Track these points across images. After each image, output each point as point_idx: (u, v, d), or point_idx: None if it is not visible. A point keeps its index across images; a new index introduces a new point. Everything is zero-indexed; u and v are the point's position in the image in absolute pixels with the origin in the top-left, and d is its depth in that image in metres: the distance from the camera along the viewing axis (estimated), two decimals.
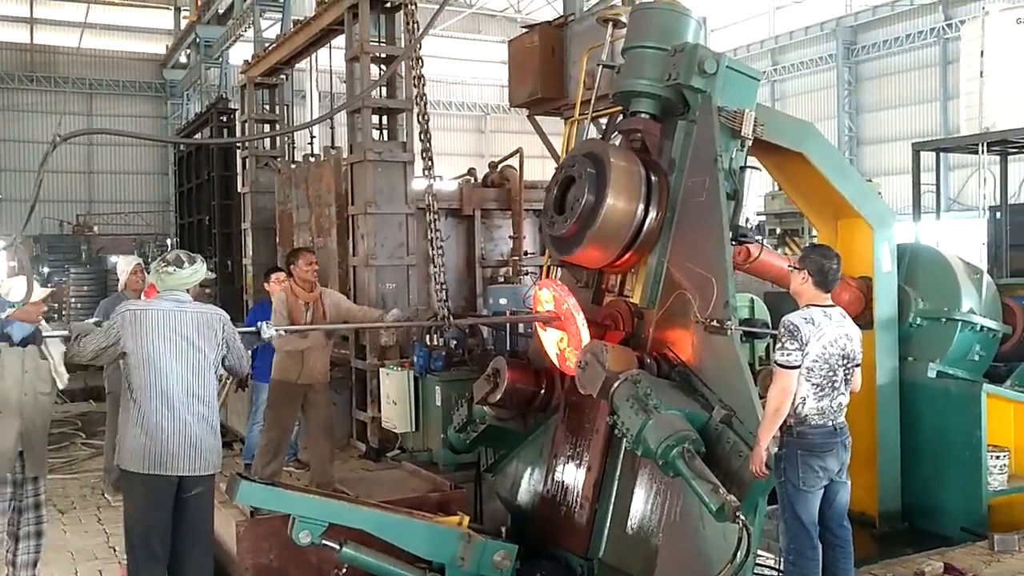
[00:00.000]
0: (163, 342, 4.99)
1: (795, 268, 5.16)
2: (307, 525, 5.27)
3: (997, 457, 6.76)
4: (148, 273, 8.50)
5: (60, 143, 5.09)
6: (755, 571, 5.48)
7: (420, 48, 6.85)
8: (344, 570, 5.54)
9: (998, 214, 15.71)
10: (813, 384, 4.84)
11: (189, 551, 5.17)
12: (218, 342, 5.14)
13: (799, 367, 4.80)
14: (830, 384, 4.87)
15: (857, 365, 5.08)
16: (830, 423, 4.90)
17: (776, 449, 4.83)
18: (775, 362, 4.91)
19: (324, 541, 5.34)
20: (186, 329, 5.04)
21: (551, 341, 6.37)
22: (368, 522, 5.46)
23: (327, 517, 5.33)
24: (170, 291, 5.18)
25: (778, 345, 4.88)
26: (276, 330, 6.07)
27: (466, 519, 5.88)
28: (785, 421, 4.86)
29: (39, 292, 5.64)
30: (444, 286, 7.38)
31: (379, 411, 9.64)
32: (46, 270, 29.90)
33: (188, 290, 5.22)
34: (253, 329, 5.97)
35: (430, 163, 7.84)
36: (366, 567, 5.48)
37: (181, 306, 5.11)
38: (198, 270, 5.27)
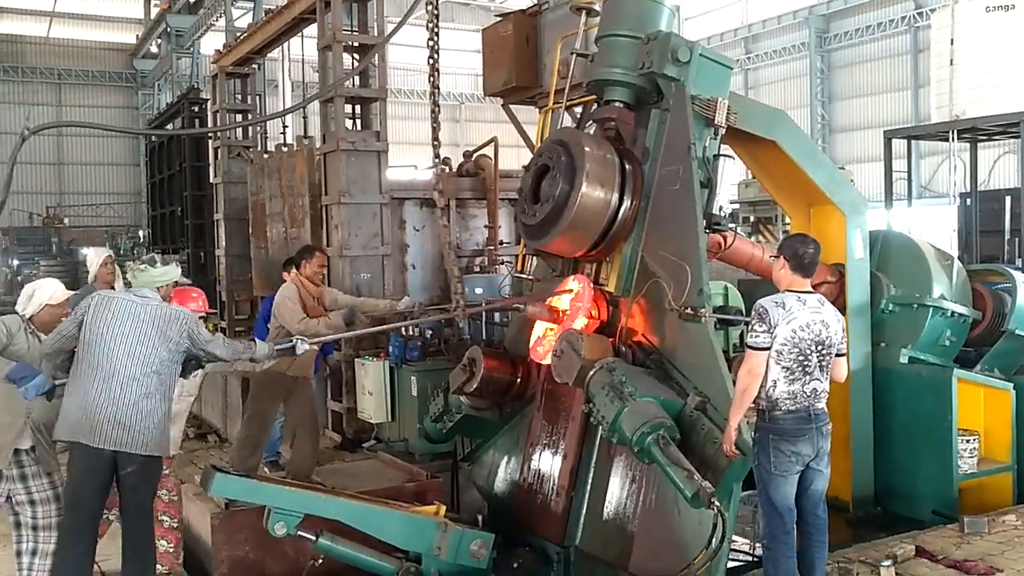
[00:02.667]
0: (119, 326, 5.22)
1: (774, 256, 5.19)
2: (283, 516, 5.26)
3: (967, 441, 6.85)
4: (119, 266, 8.45)
5: (29, 136, 5.07)
6: (729, 556, 5.52)
7: (439, 37, 6.95)
8: (320, 561, 5.54)
9: (968, 201, 15.89)
10: (783, 367, 4.83)
11: (128, 529, 5.34)
12: (174, 339, 5.30)
13: (767, 349, 4.81)
14: (801, 368, 4.86)
15: (840, 354, 5.03)
16: (804, 409, 4.88)
17: (751, 433, 4.87)
18: (745, 344, 4.93)
19: (300, 532, 5.33)
20: (143, 320, 5.26)
21: (541, 327, 6.33)
22: (344, 513, 5.46)
23: (302, 508, 5.33)
24: (140, 287, 5.45)
25: (749, 328, 4.91)
26: (308, 343, 6.30)
27: (443, 508, 5.89)
28: (759, 405, 4.89)
29: (61, 294, 5.79)
30: (459, 279, 7.38)
31: (355, 402, 9.62)
32: (16, 263, 29.56)
33: (159, 289, 5.49)
34: (289, 345, 6.15)
35: (438, 155, 7.75)
36: (342, 558, 5.47)
37: (144, 300, 5.36)
38: (168, 272, 5.58)
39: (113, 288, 8.12)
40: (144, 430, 5.16)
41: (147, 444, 5.19)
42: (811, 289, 5.07)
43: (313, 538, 5.37)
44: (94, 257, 8.30)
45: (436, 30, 6.81)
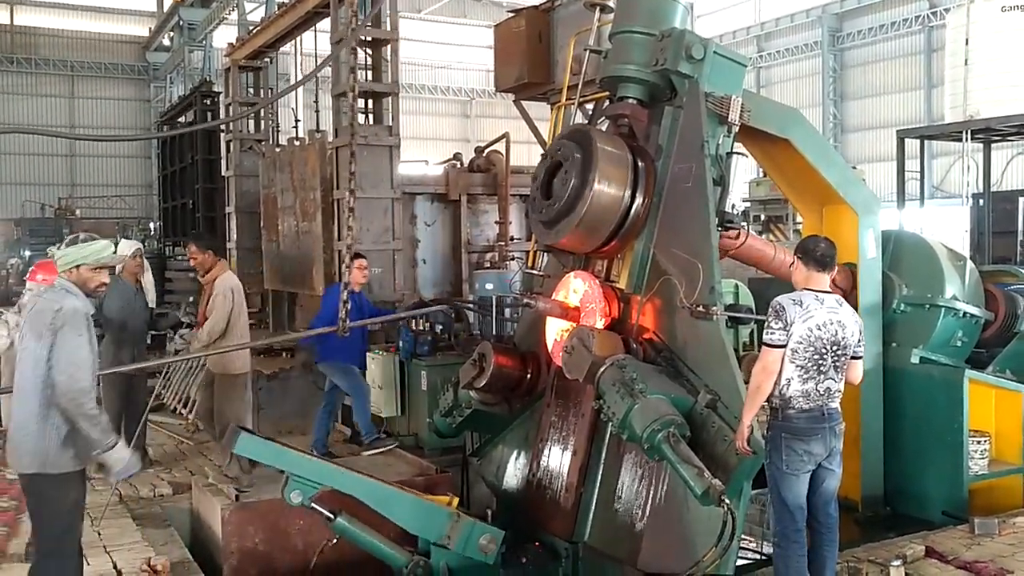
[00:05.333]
0: (23, 338, 4.73)
1: (792, 263, 5.18)
2: (300, 485, 5.26)
3: (978, 442, 6.82)
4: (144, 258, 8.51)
5: None
6: (739, 554, 5.52)
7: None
8: (335, 541, 5.56)
9: (981, 201, 15.83)
10: (797, 366, 4.82)
11: (33, 567, 4.82)
12: (43, 335, 4.54)
13: (783, 347, 4.81)
14: (816, 368, 4.85)
15: (855, 357, 5.02)
16: (817, 408, 4.88)
17: (764, 431, 4.87)
18: (761, 341, 4.92)
19: (319, 508, 5.33)
20: (30, 324, 4.68)
21: (555, 328, 6.33)
22: (361, 489, 5.46)
23: (321, 478, 5.32)
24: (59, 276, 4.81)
25: (765, 325, 4.91)
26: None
27: (455, 500, 5.89)
28: (772, 403, 4.88)
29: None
30: (348, 285, 7.02)
31: None
32: (28, 254, 29.70)
33: (70, 272, 4.74)
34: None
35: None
36: (356, 541, 5.47)
37: (39, 298, 4.75)
38: (67, 254, 4.77)
39: (140, 282, 8.17)
40: (24, 446, 4.60)
41: (25, 463, 4.62)
42: (829, 289, 5.06)
43: (331, 517, 5.38)
44: (125, 249, 8.25)
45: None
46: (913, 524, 6.66)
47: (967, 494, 6.77)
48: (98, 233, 5.31)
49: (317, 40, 15.06)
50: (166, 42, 37.60)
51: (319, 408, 8.71)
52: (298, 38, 14.61)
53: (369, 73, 10.92)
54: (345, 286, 6.84)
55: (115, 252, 5.00)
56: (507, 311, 9.05)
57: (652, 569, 5.22)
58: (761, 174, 21.09)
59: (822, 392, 4.87)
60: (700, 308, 5.30)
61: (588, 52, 8.03)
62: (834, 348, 4.88)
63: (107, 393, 7.44)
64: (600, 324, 5.85)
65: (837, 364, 4.91)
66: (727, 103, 5.73)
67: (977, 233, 15.41)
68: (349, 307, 6.84)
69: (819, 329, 4.83)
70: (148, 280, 8.20)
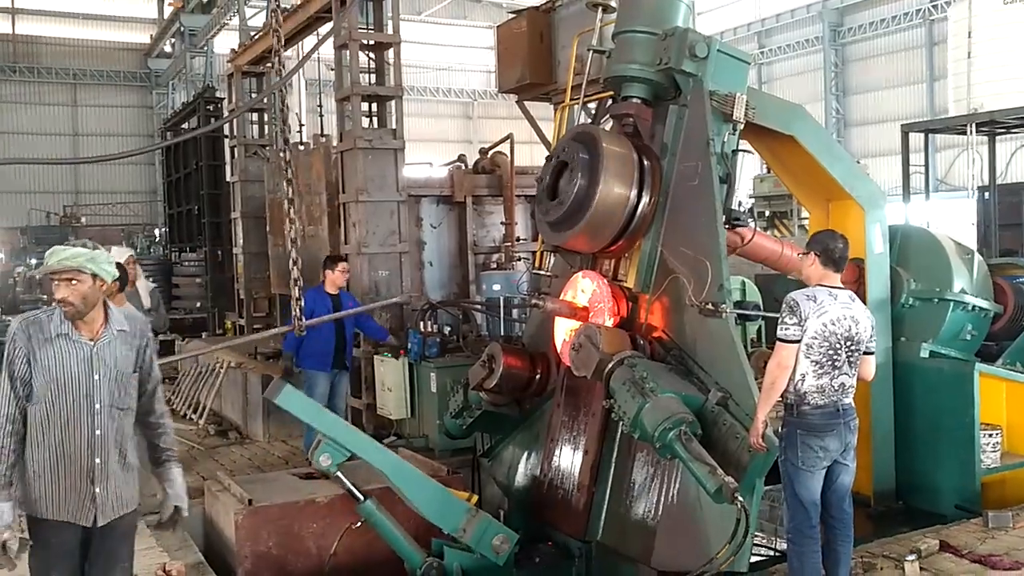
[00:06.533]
0: None
1: (803, 254, 5.18)
2: (330, 449, 5.29)
3: (990, 435, 6.82)
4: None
5: None
6: (752, 551, 5.52)
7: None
8: (358, 524, 5.59)
9: (987, 194, 15.80)
10: (812, 361, 4.84)
11: None
12: None
13: (797, 342, 4.82)
14: (830, 363, 4.86)
15: (868, 352, 5.04)
16: (832, 404, 4.89)
17: (779, 427, 4.88)
18: (776, 337, 4.93)
19: (342, 477, 5.37)
20: None
21: (563, 328, 6.33)
22: (389, 466, 5.50)
23: (353, 446, 5.36)
24: None
25: (779, 320, 4.91)
26: None
27: (475, 497, 5.92)
28: (787, 399, 4.89)
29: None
30: (298, 282, 6.84)
31: (374, 398, 9.65)
32: (33, 261, 29.78)
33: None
34: None
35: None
36: (379, 528, 5.49)
37: None
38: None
39: (135, 286, 8.18)
40: None
41: None
42: (842, 285, 5.06)
43: (360, 498, 5.42)
44: (116, 256, 8.26)
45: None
46: (926, 518, 6.67)
47: (980, 487, 6.76)
48: (104, 240, 5.27)
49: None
50: (168, 49, 37.70)
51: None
52: (300, 43, 14.61)
53: (372, 76, 10.93)
54: (295, 282, 6.83)
55: (58, 261, 4.23)
56: (515, 312, 9.07)
57: (666, 567, 5.23)
58: (765, 170, 21.08)
59: (836, 387, 4.89)
60: (709, 306, 5.30)
61: (591, 52, 8.02)
62: (848, 343, 4.89)
63: None
64: (609, 323, 5.86)
65: (851, 359, 4.93)
66: (732, 101, 5.73)
67: (983, 226, 15.39)
68: (302, 305, 6.81)
69: (833, 324, 4.85)
70: (143, 284, 8.25)
